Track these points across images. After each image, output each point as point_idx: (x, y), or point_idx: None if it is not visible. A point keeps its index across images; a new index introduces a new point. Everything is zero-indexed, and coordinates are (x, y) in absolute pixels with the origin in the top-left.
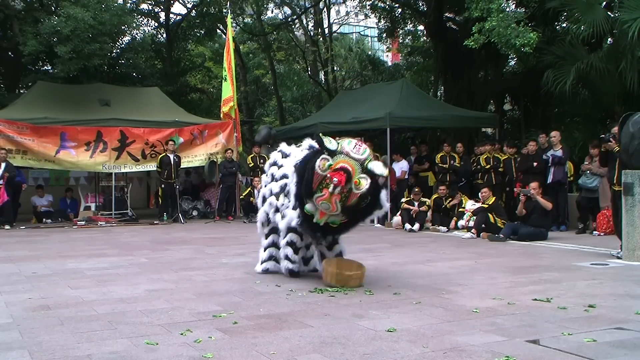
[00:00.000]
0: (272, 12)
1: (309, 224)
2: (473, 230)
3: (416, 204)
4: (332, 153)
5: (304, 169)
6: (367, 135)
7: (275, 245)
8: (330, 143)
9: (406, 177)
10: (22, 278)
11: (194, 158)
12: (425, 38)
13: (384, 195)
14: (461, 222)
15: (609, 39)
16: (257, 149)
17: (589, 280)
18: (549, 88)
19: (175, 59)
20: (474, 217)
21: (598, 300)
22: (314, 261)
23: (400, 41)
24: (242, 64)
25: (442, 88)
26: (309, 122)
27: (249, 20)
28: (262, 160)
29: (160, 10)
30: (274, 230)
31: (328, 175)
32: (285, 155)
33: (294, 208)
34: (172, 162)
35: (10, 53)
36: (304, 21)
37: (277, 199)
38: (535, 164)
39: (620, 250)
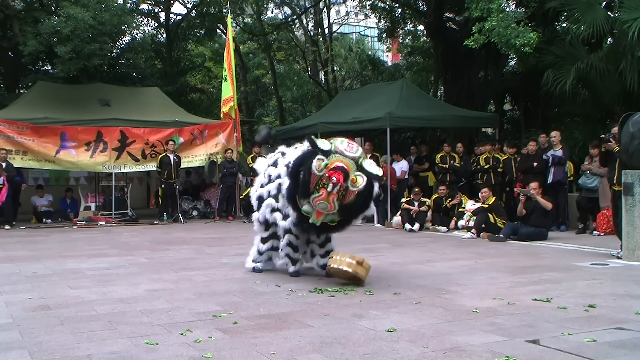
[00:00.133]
0: (272, 12)
1: (304, 224)
2: (473, 230)
3: (416, 204)
4: (326, 153)
5: (297, 171)
6: (367, 135)
7: (274, 249)
8: (323, 144)
9: (406, 177)
10: (22, 278)
11: (194, 158)
12: (425, 38)
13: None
14: (461, 222)
15: (609, 39)
16: (257, 149)
17: (589, 280)
18: (549, 88)
19: (175, 59)
20: (474, 217)
21: (598, 300)
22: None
23: (400, 41)
24: (242, 64)
25: (442, 88)
26: (309, 122)
27: (249, 20)
28: None
29: (160, 10)
30: (274, 235)
31: (326, 174)
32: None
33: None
34: (172, 162)
35: (10, 53)
36: (304, 21)
37: (277, 201)
38: (535, 164)
39: (620, 250)
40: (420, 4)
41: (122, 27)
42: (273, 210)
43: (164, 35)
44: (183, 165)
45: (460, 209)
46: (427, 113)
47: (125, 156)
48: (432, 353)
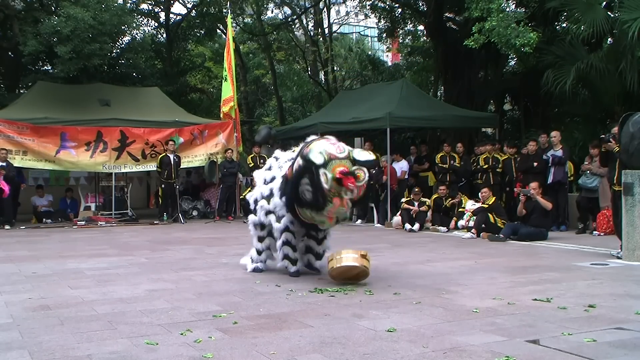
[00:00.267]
0: (272, 12)
1: (301, 222)
2: (473, 230)
3: (416, 204)
4: (325, 165)
5: (296, 189)
6: (367, 135)
7: (270, 249)
8: (318, 158)
9: (406, 177)
10: (22, 278)
11: (194, 158)
12: (425, 38)
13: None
14: (461, 222)
15: (609, 39)
16: (257, 149)
17: (589, 280)
18: (549, 88)
19: (175, 59)
20: (474, 217)
21: (598, 300)
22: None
23: (400, 41)
24: (242, 64)
25: (442, 88)
26: (309, 122)
27: (249, 20)
28: (262, 160)
29: (160, 10)
30: (270, 233)
31: (337, 185)
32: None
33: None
34: (172, 162)
35: (10, 53)
36: (304, 21)
37: (268, 203)
38: (535, 164)
39: (620, 250)
40: (420, 4)
41: (122, 27)
42: (267, 212)
43: (164, 35)
44: (183, 165)
45: (460, 209)
46: (427, 113)
47: (125, 156)
48: (432, 353)
